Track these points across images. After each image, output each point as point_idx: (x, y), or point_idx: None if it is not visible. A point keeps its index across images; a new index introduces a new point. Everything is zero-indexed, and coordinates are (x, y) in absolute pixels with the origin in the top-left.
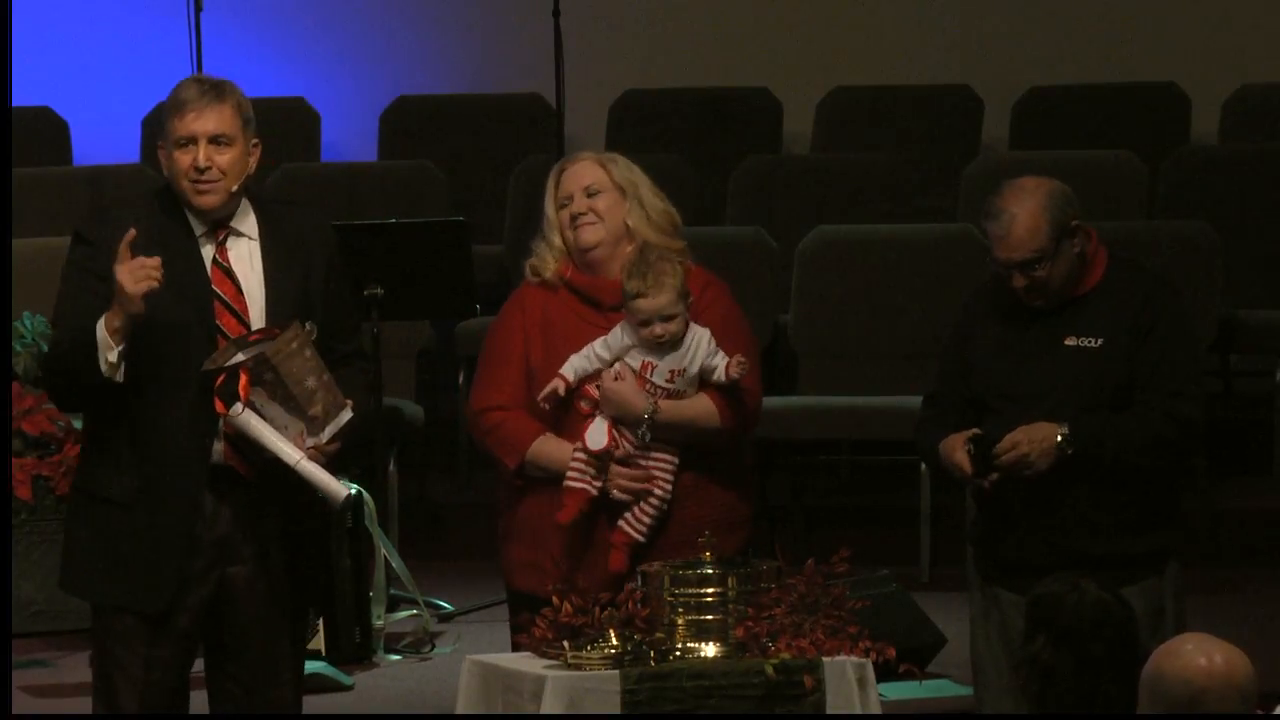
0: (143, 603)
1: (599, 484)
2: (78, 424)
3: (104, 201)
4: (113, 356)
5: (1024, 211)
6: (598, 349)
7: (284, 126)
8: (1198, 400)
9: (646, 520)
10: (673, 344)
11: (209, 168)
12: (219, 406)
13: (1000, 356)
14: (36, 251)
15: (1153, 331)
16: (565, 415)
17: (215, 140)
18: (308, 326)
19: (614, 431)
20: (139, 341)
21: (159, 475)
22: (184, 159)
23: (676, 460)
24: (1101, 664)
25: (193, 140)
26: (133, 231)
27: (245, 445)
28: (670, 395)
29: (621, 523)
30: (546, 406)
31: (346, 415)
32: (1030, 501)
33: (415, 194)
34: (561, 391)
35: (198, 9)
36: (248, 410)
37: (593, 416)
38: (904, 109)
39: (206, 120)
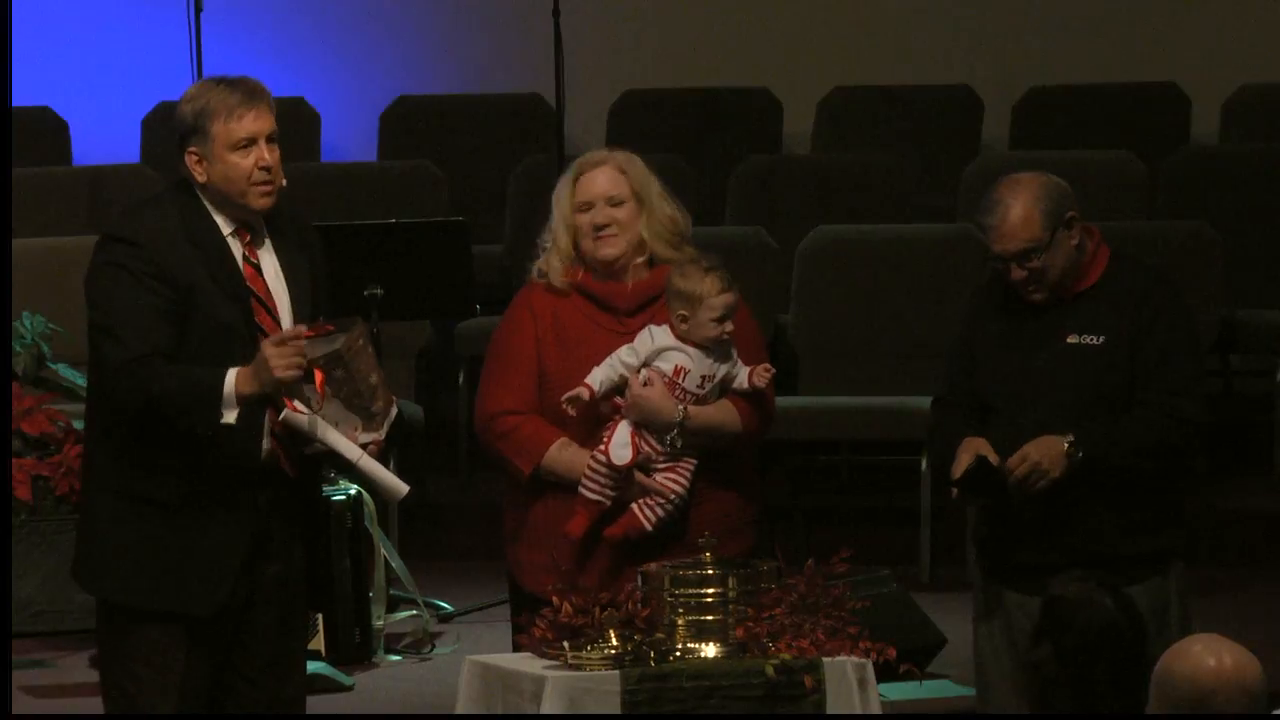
0: (195, 606)
1: (613, 495)
2: (79, 424)
3: (102, 199)
4: (231, 418)
5: (1018, 203)
6: (624, 356)
7: (284, 126)
8: (1200, 399)
9: (659, 513)
10: (727, 346)
11: (271, 167)
12: (289, 405)
13: (1001, 354)
14: (36, 251)
15: (1153, 329)
16: (582, 421)
17: (270, 139)
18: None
19: (637, 439)
20: (190, 343)
21: (209, 476)
22: (244, 162)
23: (695, 464)
24: (1103, 683)
25: (253, 141)
26: (304, 328)
27: (291, 443)
28: (697, 401)
29: (634, 507)
30: (572, 411)
31: (394, 411)
32: (1034, 502)
33: (415, 194)
34: (586, 397)
35: (198, 9)
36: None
37: (612, 423)
38: (904, 109)
39: (264, 119)
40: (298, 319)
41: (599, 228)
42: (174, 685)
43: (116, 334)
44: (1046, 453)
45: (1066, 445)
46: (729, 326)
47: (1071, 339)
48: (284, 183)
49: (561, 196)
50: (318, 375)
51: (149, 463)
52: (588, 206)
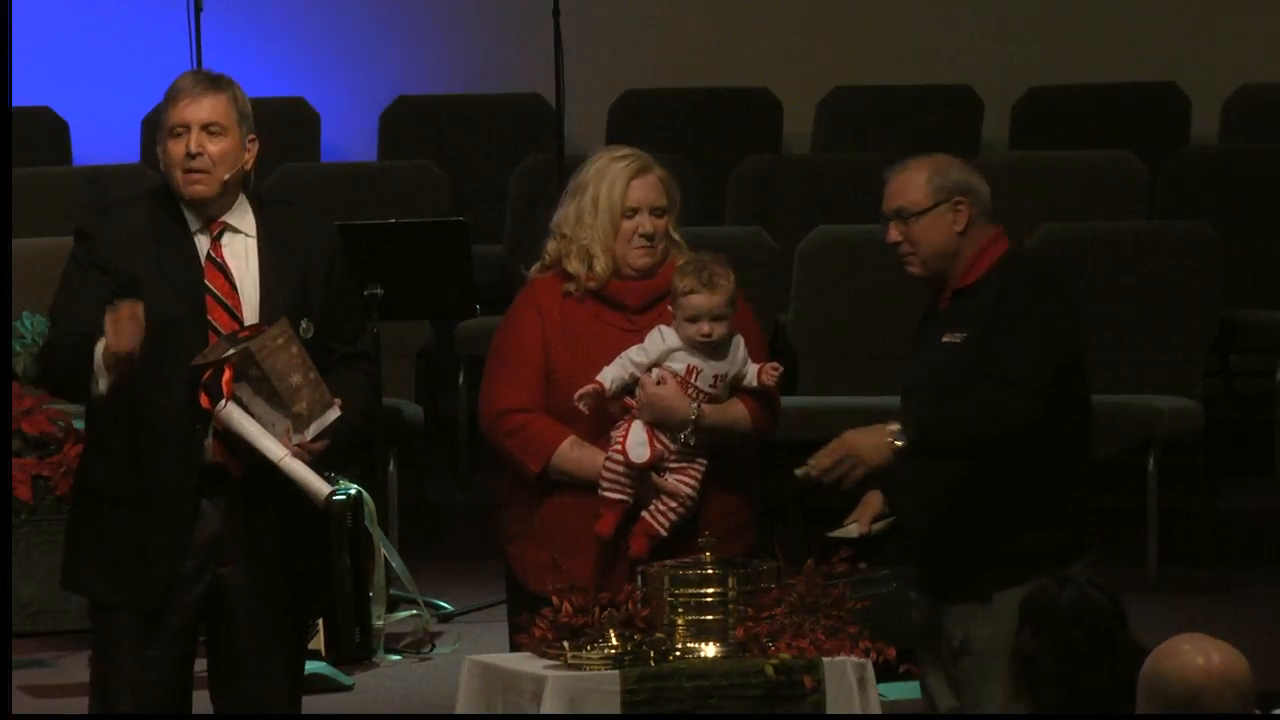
0: (135, 601)
1: (634, 493)
2: (79, 424)
3: (103, 199)
4: (102, 386)
5: (912, 169)
6: (634, 356)
7: (284, 126)
8: (1036, 395)
9: (671, 516)
10: (717, 347)
11: (200, 154)
12: (204, 401)
13: (910, 352)
14: (36, 251)
15: (1007, 325)
16: (591, 420)
17: (208, 128)
18: (303, 325)
19: (652, 437)
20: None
21: (153, 472)
22: (177, 147)
23: (706, 464)
24: (1082, 653)
25: (185, 127)
26: (139, 306)
27: (233, 442)
28: (710, 400)
29: (645, 514)
30: (585, 409)
31: (333, 414)
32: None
33: (415, 194)
34: (598, 394)
35: (198, 9)
36: (233, 405)
37: (622, 421)
38: (904, 109)
39: (200, 108)
40: (265, 318)
41: (646, 237)
42: (132, 681)
43: (55, 321)
44: (863, 441)
45: (888, 437)
46: (705, 328)
47: (946, 338)
48: (226, 177)
49: (614, 194)
50: (226, 372)
51: (102, 458)
52: (634, 212)
